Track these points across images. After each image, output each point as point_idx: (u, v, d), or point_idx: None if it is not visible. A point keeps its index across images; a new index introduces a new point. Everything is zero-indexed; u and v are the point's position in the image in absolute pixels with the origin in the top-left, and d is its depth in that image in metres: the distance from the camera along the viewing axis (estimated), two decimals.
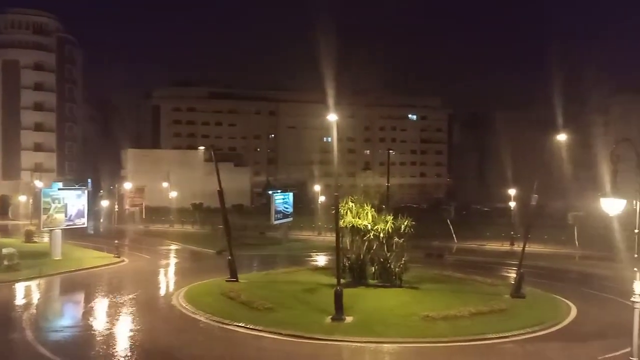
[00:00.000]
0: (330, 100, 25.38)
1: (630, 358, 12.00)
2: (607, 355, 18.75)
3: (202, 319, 23.61)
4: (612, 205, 13.07)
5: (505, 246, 49.54)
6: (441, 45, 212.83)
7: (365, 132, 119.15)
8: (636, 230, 12.57)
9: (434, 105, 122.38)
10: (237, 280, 30.52)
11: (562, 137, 33.07)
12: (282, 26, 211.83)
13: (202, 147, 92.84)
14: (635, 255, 11.92)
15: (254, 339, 21.03)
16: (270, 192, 54.86)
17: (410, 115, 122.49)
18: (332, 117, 25.19)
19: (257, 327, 21.82)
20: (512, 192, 57.80)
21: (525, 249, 30.05)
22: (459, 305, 24.75)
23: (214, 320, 23.13)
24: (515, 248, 41.86)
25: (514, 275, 29.66)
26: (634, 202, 12.97)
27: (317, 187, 69.57)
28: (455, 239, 52.89)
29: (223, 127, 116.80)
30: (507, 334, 21.62)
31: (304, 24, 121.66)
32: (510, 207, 57.63)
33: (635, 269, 11.82)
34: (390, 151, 62.26)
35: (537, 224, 44.93)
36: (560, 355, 19.44)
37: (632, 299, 11.85)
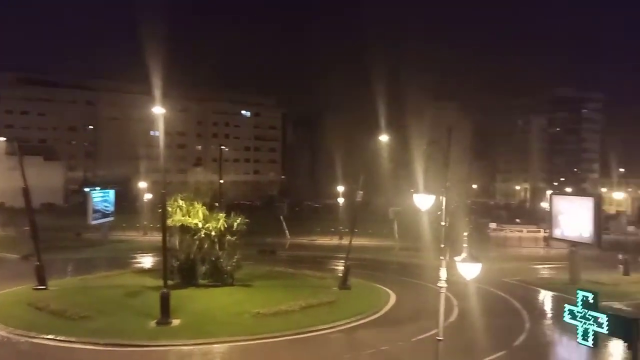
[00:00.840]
0: (157, 92, 23.94)
1: (437, 338, 13.46)
2: (419, 337, 20.91)
3: (3, 332, 20.71)
4: (422, 201, 14.48)
5: (334, 241, 52.39)
6: (277, 45, 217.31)
7: (197, 127, 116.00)
8: (442, 223, 14.06)
9: (268, 103, 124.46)
10: (46, 288, 27.56)
11: (384, 139, 36.17)
12: (108, 11, 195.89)
13: (2, 138, 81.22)
14: (442, 246, 13.33)
15: (66, 351, 19.06)
16: (87, 190, 50.23)
17: (243, 112, 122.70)
18: (159, 110, 23.91)
19: (69, 339, 19.80)
20: (340, 189, 61.33)
21: (352, 242, 32.19)
22: (290, 300, 25.49)
23: (17, 334, 20.42)
24: (344, 242, 44.42)
25: (342, 268, 31.39)
26: (440, 197, 14.54)
27: (142, 184, 65.24)
28: (287, 235, 54.34)
29: (31, 117, 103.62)
30: (334, 324, 22.87)
31: (129, 11, 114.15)
32: (338, 203, 61.04)
33: (442, 257, 13.33)
34: (223, 147, 61.49)
35: (362, 219, 48.39)
36: (380, 340, 21.05)
37: (439, 284, 13.32)
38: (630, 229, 62.89)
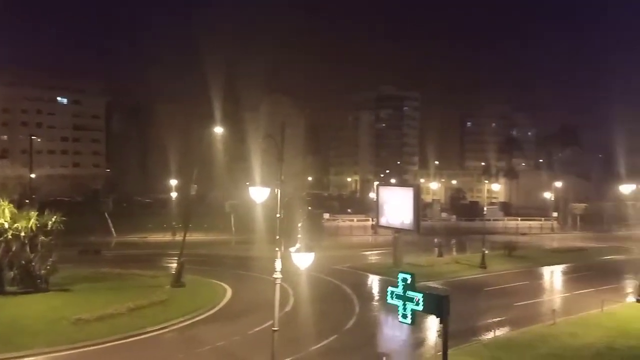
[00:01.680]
0: None
1: (273, 329, 13.56)
2: (255, 329, 20.98)
3: None
4: (258, 194, 14.44)
5: (167, 237, 50.13)
6: (103, 31, 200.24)
7: (3, 114, 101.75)
8: (277, 215, 14.17)
9: (91, 90, 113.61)
10: None
11: (219, 130, 35.54)
12: None
13: None
14: (277, 237, 13.43)
15: None
16: None
17: (59, 99, 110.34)
18: None
19: None
20: (173, 182, 58.90)
21: (186, 238, 31.08)
22: (117, 302, 23.68)
23: None
24: (177, 238, 42.76)
25: (176, 265, 30.16)
26: (276, 190, 14.64)
27: None
28: (114, 232, 50.62)
29: None
30: (167, 324, 21.87)
31: None
32: (171, 197, 58.61)
33: (277, 249, 13.43)
34: (34, 137, 54.85)
35: (198, 213, 47.22)
36: (216, 336, 20.63)
37: (274, 275, 13.41)
38: (444, 215, 71.28)
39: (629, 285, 31.76)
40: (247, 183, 14.52)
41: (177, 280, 28.54)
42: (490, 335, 21.50)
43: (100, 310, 22.39)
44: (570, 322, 23.35)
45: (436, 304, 10.69)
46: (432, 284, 31.48)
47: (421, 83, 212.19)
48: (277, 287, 13.42)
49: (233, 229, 47.71)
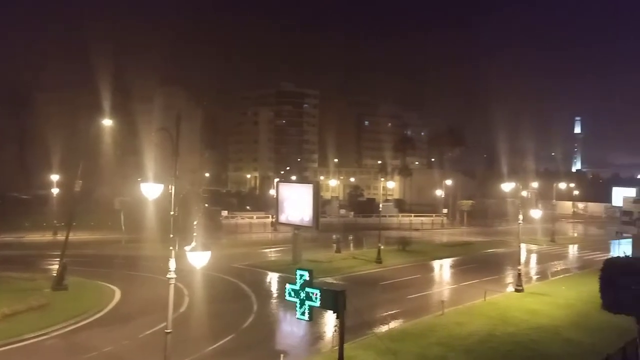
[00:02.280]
0: None
1: (166, 331, 12.89)
2: (147, 332, 19.94)
3: None
4: (150, 190, 13.66)
5: (47, 237, 46.24)
6: None
7: None
8: (172, 212, 13.49)
9: None
10: None
11: (107, 123, 33.26)
12: None
13: None
14: (171, 236, 12.77)
15: None
16: None
17: None
18: None
19: None
20: (55, 178, 54.39)
21: (71, 237, 28.78)
22: None
23: None
24: (59, 238, 39.49)
25: (57, 266, 27.87)
26: (170, 186, 13.93)
27: None
28: None
29: None
30: (47, 330, 20.14)
31: None
32: (52, 194, 54.16)
33: (171, 247, 12.76)
34: None
35: (83, 210, 44.00)
36: (103, 340, 19.33)
37: (168, 275, 12.72)
38: (342, 212, 72.92)
39: (509, 276, 34.55)
40: (139, 179, 13.60)
41: (59, 283, 26.38)
42: (384, 327, 22.27)
43: None
44: (457, 312, 24.88)
45: (332, 299, 10.78)
46: (330, 279, 31.99)
47: (321, 82, 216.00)
48: (171, 288, 12.76)
49: (123, 227, 45.10)
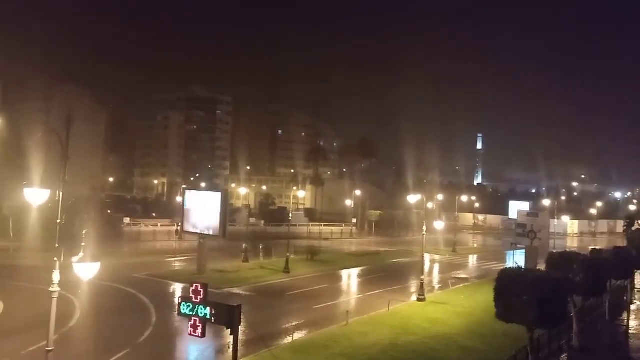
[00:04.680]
0: None
1: (47, 349, 11.87)
2: (30, 349, 18.31)
3: None
4: (35, 195, 12.59)
5: None
6: None
7: None
8: (58, 220, 12.51)
9: None
10: None
11: None
12: None
13: None
14: (56, 245, 11.80)
15: None
16: None
17: None
18: None
19: None
20: None
21: None
22: None
23: None
24: None
25: None
26: (57, 192, 12.92)
27: None
28: None
29: None
30: None
31: None
32: None
33: (55, 258, 11.78)
34: None
35: None
36: None
37: (50, 288, 11.72)
38: (252, 220, 72.08)
39: (413, 286, 35.77)
40: (25, 183, 12.49)
41: None
42: (288, 339, 22.10)
43: None
44: (361, 322, 25.23)
45: (227, 315, 10.44)
46: (236, 290, 31.39)
47: (236, 89, 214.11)
48: (54, 302, 11.75)
49: (11, 234, 41.55)
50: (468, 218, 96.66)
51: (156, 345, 20.66)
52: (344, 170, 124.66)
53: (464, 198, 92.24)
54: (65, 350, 14.21)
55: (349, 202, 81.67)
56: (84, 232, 11.89)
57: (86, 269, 11.73)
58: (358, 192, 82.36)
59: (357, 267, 43.98)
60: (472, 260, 55.48)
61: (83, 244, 11.74)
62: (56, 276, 11.69)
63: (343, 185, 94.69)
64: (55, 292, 11.71)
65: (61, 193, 12.84)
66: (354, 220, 76.70)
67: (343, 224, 75.48)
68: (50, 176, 14.01)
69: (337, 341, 21.79)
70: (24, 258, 36.87)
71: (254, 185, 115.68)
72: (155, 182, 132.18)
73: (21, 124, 56.34)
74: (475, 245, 70.62)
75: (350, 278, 40.35)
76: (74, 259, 11.76)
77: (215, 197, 36.62)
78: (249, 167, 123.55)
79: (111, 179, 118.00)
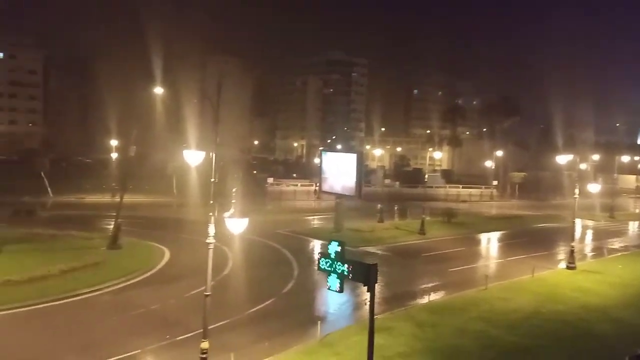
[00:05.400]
0: None
1: (205, 293, 13.43)
2: (192, 292, 20.79)
3: None
4: (192, 157, 14.03)
5: (106, 198, 48.48)
6: None
7: None
8: (212, 180, 13.85)
9: (25, 43, 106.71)
10: None
11: (159, 91, 34.15)
12: None
13: None
14: (211, 202, 13.12)
15: None
16: None
17: None
18: None
19: None
20: (113, 142, 56.78)
21: (126, 199, 30.20)
22: (49, 263, 22.90)
23: None
24: (116, 199, 41.25)
25: (113, 227, 29.31)
26: (211, 154, 14.26)
27: None
28: (50, 192, 48.50)
29: None
30: (100, 287, 21.38)
31: None
32: (111, 158, 56.59)
33: (210, 213, 13.15)
34: None
35: (139, 174, 45.80)
36: (151, 299, 20.33)
37: (207, 240, 13.18)
38: (387, 181, 72.44)
39: (561, 253, 33.56)
40: (184, 145, 14.01)
41: (114, 243, 27.82)
42: (424, 299, 22.25)
43: (31, 272, 21.63)
44: (501, 287, 24.44)
45: (364, 272, 10.80)
46: (371, 249, 32.13)
47: (369, 50, 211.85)
48: (210, 252, 13.20)
49: (175, 191, 46.72)
50: (629, 180, 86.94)
51: (298, 297, 22.14)
52: (484, 130, 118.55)
53: (625, 158, 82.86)
54: (220, 295, 15.96)
55: (489, 164, 77.96)
56: (233, 190, 13.03)
57: (236, 224, 12.92)
58: (499, 153, 78.12)
59: (498, 230, 42.30)
60: (633, 227, 50.22)
61: (233, 201, 12.90)
62: (212, 229, 13.05)
63: (483, 146, 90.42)
64: (211, 243, 13.11)
65: (214, 155, 14.13)
66: (495, 183, 73.21)
67: (482, 186, 72.51)
68: (205, 139, 15.44)
69: (475, 305, 21.43)
70: (185, 212, 41.44)
71: (388, 147, 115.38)
72: (295, 144, 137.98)
73: (180, 93, 62.14)
74: (638, 211, 63.61)
75: (490, 242, 38.99)
76: (226, 214, 13.00)
77: (351, 159, 37.33)
78: (383, 129, 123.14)
79: (256, 142, 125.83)
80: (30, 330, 17.21)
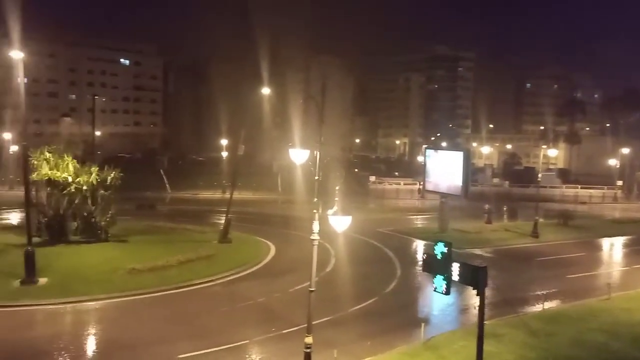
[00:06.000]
0: (15, 34, 21.18)
1: (309, 289, 13.69)
2: (296, 287, 21.32)
3: None
4: (297, 155, 14.34)
5: (217, 194, 51.45)
6: None
7: (70, 74, 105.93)
8: (316, 177, 14.08)
9: (149, 51, 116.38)
10: None
11: (266, 91, 35.48)
12: None
13: None
14: (315, 199, 13.36)
15: None
16: None
17: (122, 60, 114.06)
18: (17, 54, 21.19)
19: None
20: (224, 142, 60.04)
21: (235, 196, 31.78)
22: (168, 255, 24.72)
23: None
24: (227, 196, 43.59)
25: (223, 221, 30.93)
26: (316, 152, 14.52)
27: (6, 135, 59.87)
28: (168, 188, 52.41)
29: None
30: (212, 278, 22.66)
31: None
32: (222, 156, 59.87)
33: (315, 210, 13.38)
34: (97, 97, 57.02)
35: (246, 172, 48.08)
36: (258, 291, 21.18)
37: (311, 237, 13.43)
38: (496, 181, 69.22)
39: None
40: (289, 144, 14.39)
41: (224, 237, 29.36)
42: (538, 307, 20.88)
43: (152, 261, 23.51)
44: (626, 297, 22.29)
45: (472, 275, 10.34)
46: (478, 251, 30.86)
47: (475, 43, 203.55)
48: (315, 249, 13.42)
49: (280, 188, 48.30)
50: None
51: (401, 297, 21.84)
52: (607, 125, 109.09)
53: None
54: (323, 291, 16.17)
55: (613, 162, 71.48)
56: (336, 188, 13.12)
57: (340, 221, 13.00)
58: (625, 150, 71.33)
59: (622, 235, 38.60)
60: None
61: (336, 198, 13.00)
62: (316, 226, 13.26)
63: (605, 143, 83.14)
64: (315, 240, 13.33)
65: (318, 153, 14.34)
66: (619, 183, 66.99)
67: (605, 187, 66.67)
68: (308, 138, 15.71)
69: (595, 315, 19.72)
70: (289, 209, 42.72)
71: (497, 144, 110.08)
72: (397, 142, 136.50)
73: (285, 94, 64.27)
74: None
75: (613, 247, 35.77)
76: (329, 211, 13.13)
77: (457, 157, 36.14)
78: (491, 125, 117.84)
79: (357, 140, 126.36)
80: (149, 315, 18.71)
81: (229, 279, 23.01)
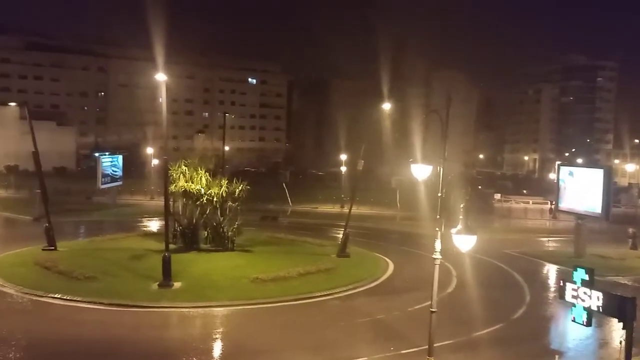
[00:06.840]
0: (160, 59, 23.79)
1: (431, 309, 13.22)
2: (416, 307, 20.74)
3: (11, 291, 21.07)
4: (420, 171, 14.03)
5: (336, 208, 52.19)
6: (284, 12, 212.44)
7: (204, 94, 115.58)
8: (439, 194, 13.62)
9: (274, 70, 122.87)
10: (55, 249, 27.82)
11: (386, 107, 35.50)
12: None
13: (13, 103, 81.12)
14: (437, 217, 12.92)
15: (72, 311, 19.34)
16: (97, 155, 50.68)
17: (250, 79, 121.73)
18: (161, 77, 23.68)
19: (75, 298, 20.22)
20: (343, 157, 60.96)
21: (353, 211, 31.94)
22: (289, 266, 25.39)
23: (25, 293, 20.85)
24: (345, 210, 44.11)
25: (341, 236, 31.24)
26: (438, 168, 14.08)
27: (149, 150, 66.41)
28: (290, 202, 54.23)
29: (44, 82, 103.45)
30: (331, 292, 22.79)
31: None
32: (341, 171, 60.78)
33: (437, 228, 12.94)
34: (227, 114, 61.10)
35: (364, 187, 48.18)
36: (376, 308, 20.92)
37: (433, 255, 12.97)
38: None
39: None
40: (410, 160, 14.14)
41: (342, 251, 29.55)
42: None
43: (275, 272, 24.27)
44: None
45: (619, 306, 9.24)
46: (621, 279, 27.76)
47: (618, 50, 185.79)
48: (436, 268, 12.96)
49: (398, 204, 47.67)
50: None
51: (530, 325, 20.25)
52: None
53: None
54: (444, 313, 15.50)
55: None
56: (461, 205, 12.59)
57: (464, 241, 12.42)
58: None
59: None
60: None
61: (461, 216, 12.46)
62: (438, 244, 12.81)
63: None
64: (437, 259, 12.87)
65: (442, 169, 13.91)
66: None
67: None
68: (429, 153, 15.33)
69: None
70: (408, 225, 41.99)
71: None
72: (526, 158, 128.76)
73: (406, 108, 63.80)
74: None
75: None
76: (453, 230, 12.61)
77: (596, 174, 33.03)
78: (637, 140, 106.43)
79: (481, 156, 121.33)
80: (272, 323, 19.26)
81: (347, 293, 23.03)
